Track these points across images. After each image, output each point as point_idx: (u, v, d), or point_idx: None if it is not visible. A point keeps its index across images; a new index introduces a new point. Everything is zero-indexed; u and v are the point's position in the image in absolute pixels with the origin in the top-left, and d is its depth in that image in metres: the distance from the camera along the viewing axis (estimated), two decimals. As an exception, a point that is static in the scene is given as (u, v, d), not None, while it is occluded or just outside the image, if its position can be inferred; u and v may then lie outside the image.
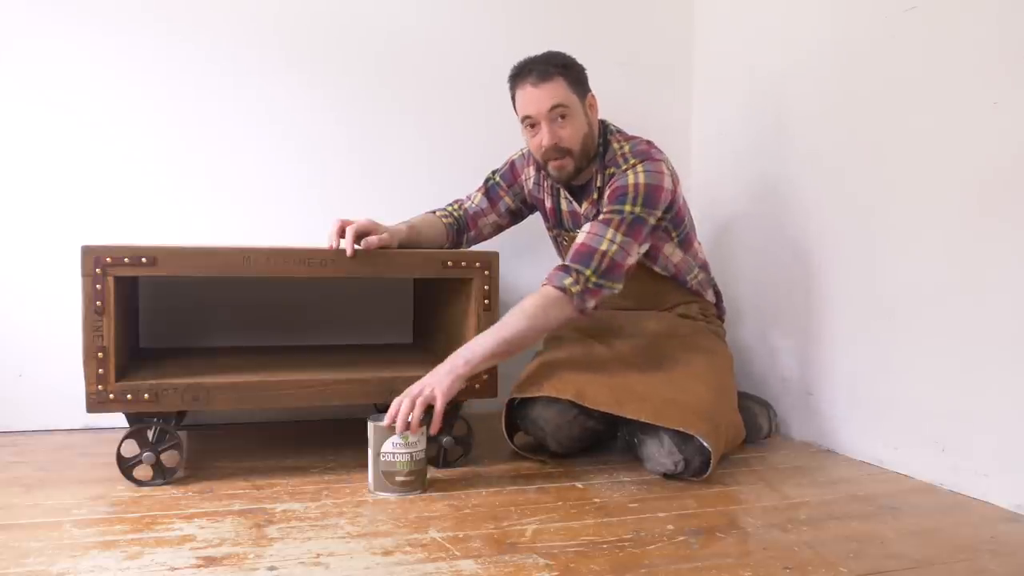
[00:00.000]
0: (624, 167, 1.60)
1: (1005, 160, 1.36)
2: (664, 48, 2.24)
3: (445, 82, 2.04)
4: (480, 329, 1.52)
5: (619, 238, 1.53)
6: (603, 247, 1.52)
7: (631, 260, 1.56)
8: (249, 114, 1.90)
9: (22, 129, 1.76)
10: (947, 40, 1.46)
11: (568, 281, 1.50)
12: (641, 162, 1.59)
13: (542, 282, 1.53)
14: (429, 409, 1.40)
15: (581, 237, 1.55)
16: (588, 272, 1.51)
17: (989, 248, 1.39)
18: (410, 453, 1.36)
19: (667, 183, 1.59)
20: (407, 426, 1.35)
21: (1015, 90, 1.34)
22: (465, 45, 2.06)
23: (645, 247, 1.60)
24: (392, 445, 1.36)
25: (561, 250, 1.84)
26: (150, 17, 1.83)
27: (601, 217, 1.56)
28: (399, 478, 1.36)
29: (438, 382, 1.40)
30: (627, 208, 1.55)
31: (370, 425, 1.37)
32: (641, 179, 1.57)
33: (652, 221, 1.58)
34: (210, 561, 1.06)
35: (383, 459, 1.36)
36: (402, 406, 1.36)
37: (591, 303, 1.53)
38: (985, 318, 1.39)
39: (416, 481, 1.38)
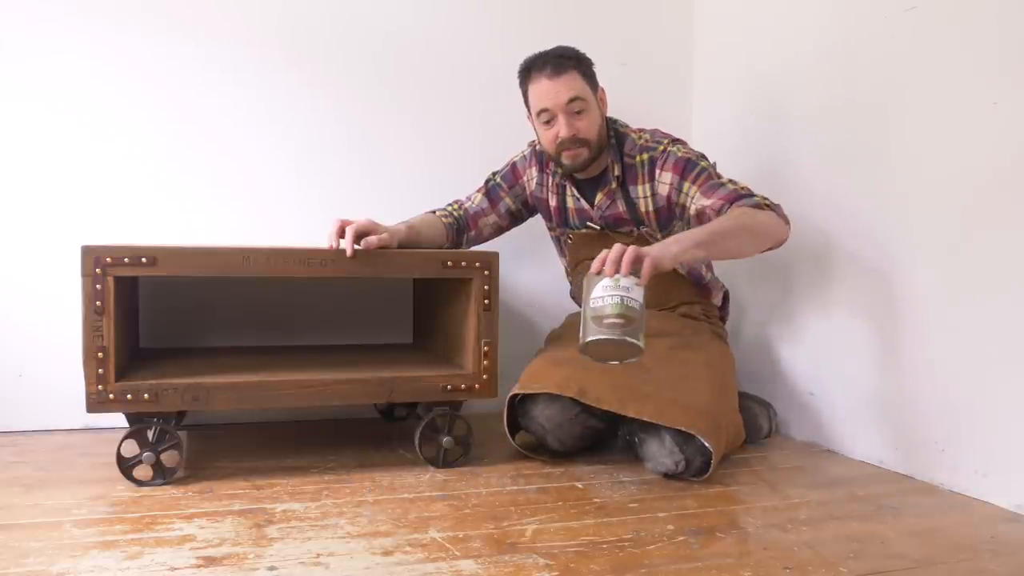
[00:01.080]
0: (660, 148, 1.65)
1: (1005, 160, 1.36)
2: (664, 47, 2.23)
3: (445, 82, 2.04)
4: (480, 329, 1.52)
5: (725, 178, 1.59)
6: (732, 187, 1.56)
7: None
8: (249, 113, 1.90)
9: (22, 129, 1.76)
10: (947, 40, 1.46)
11: (758, 198, 1.52)
12: (672, 141, 1.66)
13: (733, 208, 1.50)
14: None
15: (709, 199, 1.55)
16: (758, 193, 1.54)
17: (989, 248, 1.39)
18: (620, 296, 1.25)
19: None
20: (616, 268, 1.28)
21: (1015, 90, 1.34)
22: (464, 45, 2.05)
23: None
24: (602, 289, 1.27)
25: (565, 249, 1.84)
26: (150, 15, 1.83)
27: (699, 184, 1.59)
28: (608, 320, 1.24)
29: (649, 248, 1.34)
30: (703, 164, 1.62)
31: (584, 280, 1.31)
32: (685, 148, 1.65)
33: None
34: (210, 561, 1.06)
35: (592, 304, 1.27)
36: (612, 251, 1.30)
37: (785, 213, 1.55)
38: (985, 318, 1.39)
39: (629, 327, 1.25)
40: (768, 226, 1.50)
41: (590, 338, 1.27)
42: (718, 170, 1.64)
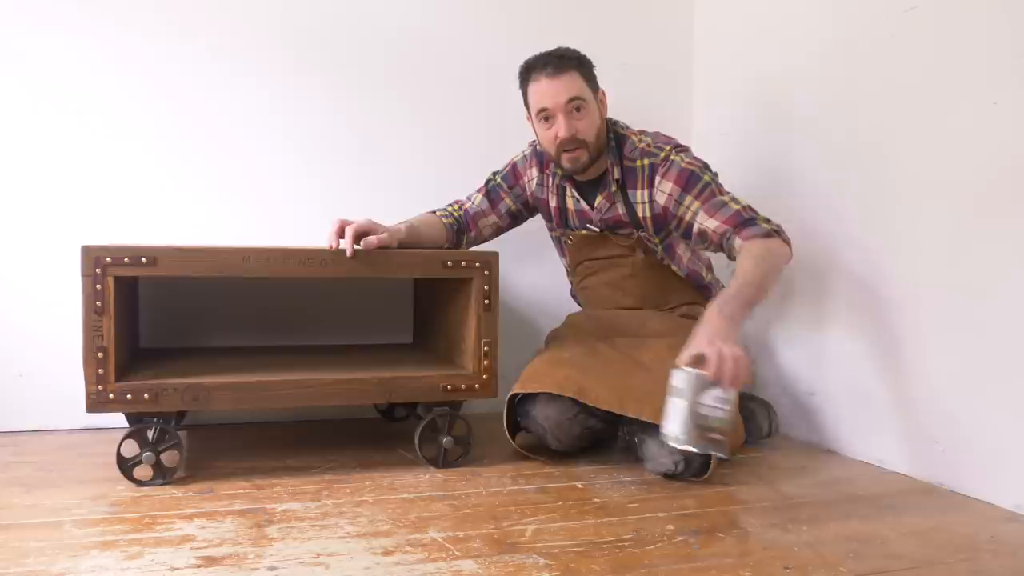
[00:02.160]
0: (662, 154, 1.64)
1: (1005, 160, 1.36)
2: (665, 48, 2.23)
3: (446, 83, 2.04)
4: (480, 329, 1.52)
5: (728, 195, 1.59)
6: (736, 207, 1.56)
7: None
8: (250, 113, 1.90)
9: (22, 129, 1.76)
10: (947, 40, 1.46)
11: (765, 226, 1.54)
12: (676, 148, 1.65)
13: (742, 239, 1.52)
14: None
15: (714, 222, 1.56)
16: (760, 216, 1.56)
17: (989, 248, 1.39)
18: (727, 410, 1.30)
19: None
20: (733, 380, 1.29)
21: (1015, 90, 1.34)
22: (466, 46, 2.05)
23: None
24: (712, 399, 1.29)
25: (564, 250, 1.84)
26: (152, 15, 1.82)
27: (702, 201, 1.58)
28: (715, 435, 1.29)
29: (729, 338, 1.33)
30: (706, 178, 1.61)
31: (686, 372, 1.30)
32: (688, 158, 1.63)
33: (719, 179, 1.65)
34: (210, 561, 1.06)
35: (700, 411, 1.29)
36: (724, 361, 1.29)
37: (788, 237, 1.57)
38: (985, 318, 1.39)
39: (726, 442, 1.32)
40: (782, 257, 1.53)
41: (690, 448, 1.30)
42: (720, 180, 1.64)
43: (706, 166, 1.64)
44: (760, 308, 1.97)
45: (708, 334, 1.34)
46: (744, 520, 1.28)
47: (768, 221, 1.55)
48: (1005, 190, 1.36)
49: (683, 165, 1.61)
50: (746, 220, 1.54)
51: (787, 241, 1.56)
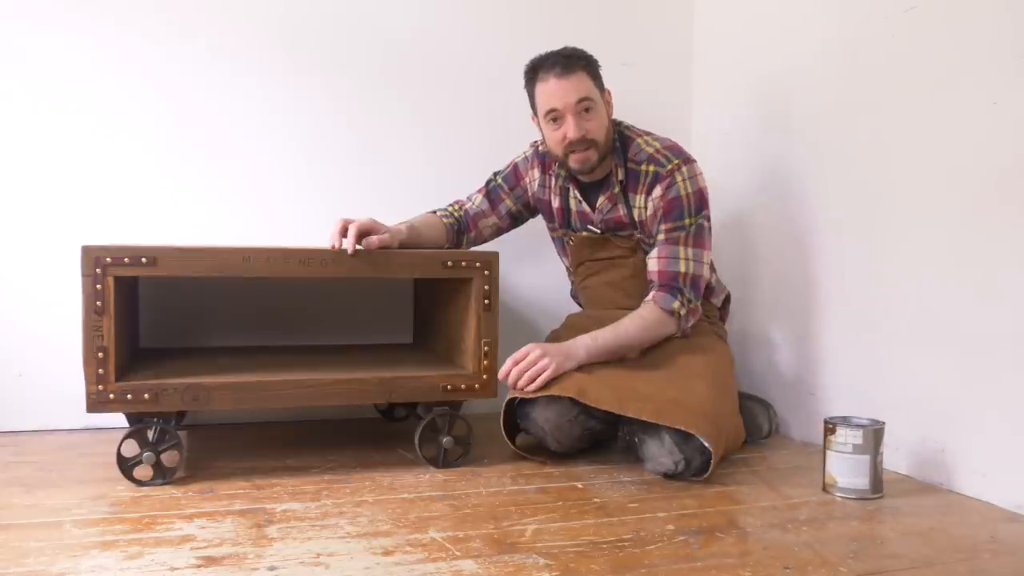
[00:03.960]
0: (668, 167, 1.62)
1: (1005, 160, 1.36)
2: (664, 48, 2.23)
3: (447, 83, 2.04)
4: (480, 329, 1.52)
5: (690, 253, 1.61)
6: (681, 268, 1.60)
7: (706, 271, 1.64)
8: (251, 113, 1.90)
9: (22, 128, 1.76)
10: (947, 40, 1.46)
11: (676, 304, 1.59)
12: (684, 163, 1.63)
13: (649, 300, 1.60)
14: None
15: (655, 264, 1.61)
16: (688, 294, 1.59)
17: (989, 248, 1.39)
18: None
19: (704, 182, 1.66)
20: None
21: (1015, 90, 1.34)
22: (467, 46, 2.05)
23: (710, 253, 1.67)
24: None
25: (566, 250, 1.84)
26: (152, 15, 1.82)
27: (665, 237, 1.61)
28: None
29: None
30: (687, 221, 1.61)
31: (865, 429, 1.40)
32: (690, 187, 1.62)
33: (708, 224, 1.65)
34: (210, 561, 1.06)
35: (879, 460, 1.41)
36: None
37: (691, 323, 1.62)
38: (985, 318, 1.39)
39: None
40: (659, 337, 1.61)
41: (878, 496, 1.41)
42: (705, 231, 1.64)
43: (702, 205, 1.63)
44: (760, 309, 1.98)
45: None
46: (744, 520, 1.28)
47: (689, 302, 1.60)
48: (1005, 190, 1.36)
49: (681, 195, 1.61)
50: (671, 287, 1.59)
51: (681, 328, 1.62)
